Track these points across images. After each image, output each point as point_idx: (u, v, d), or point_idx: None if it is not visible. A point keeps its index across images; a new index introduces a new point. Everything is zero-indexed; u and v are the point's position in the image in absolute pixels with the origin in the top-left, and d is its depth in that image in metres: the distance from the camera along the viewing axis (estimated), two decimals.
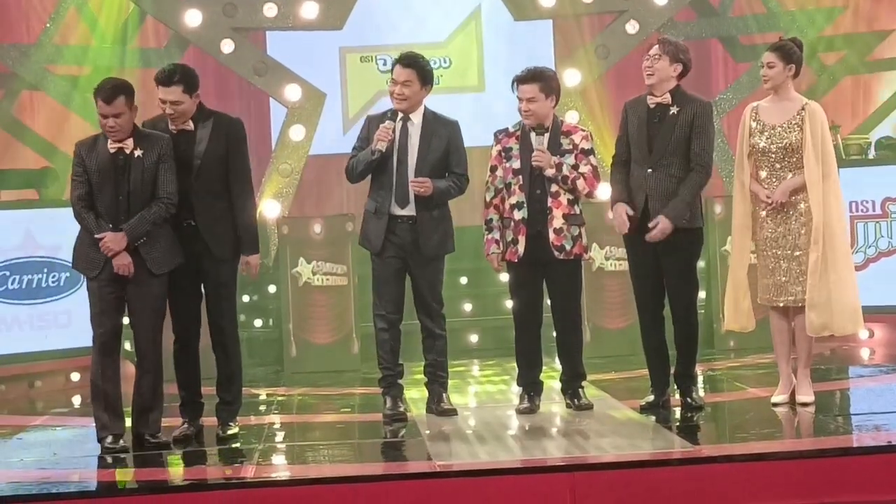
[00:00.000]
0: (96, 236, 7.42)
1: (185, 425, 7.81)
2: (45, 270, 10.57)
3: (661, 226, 7.86)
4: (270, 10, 12.51)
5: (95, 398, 7.55)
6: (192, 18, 12.28)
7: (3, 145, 12.15)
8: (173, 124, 7.67)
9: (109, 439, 7.47)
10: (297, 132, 12.55)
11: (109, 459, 7.33)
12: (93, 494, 6.62)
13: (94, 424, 7.58)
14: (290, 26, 12.67)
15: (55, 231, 10.35)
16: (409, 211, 8.12)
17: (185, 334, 7.80)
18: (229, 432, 7.80)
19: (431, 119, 8.19)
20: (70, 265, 7.82)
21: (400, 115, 8.15)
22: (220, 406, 7.89)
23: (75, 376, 10.73)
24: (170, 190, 7.49)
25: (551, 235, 7.99)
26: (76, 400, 10.14)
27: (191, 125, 7.69)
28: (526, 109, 8.00)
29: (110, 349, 7.54)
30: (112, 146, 7.45)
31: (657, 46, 7.99)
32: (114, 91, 7.43)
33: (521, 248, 7.99)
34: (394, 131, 8.09)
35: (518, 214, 8.00)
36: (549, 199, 8.00)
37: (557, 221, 8.00)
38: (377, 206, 8.15)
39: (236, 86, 13.30)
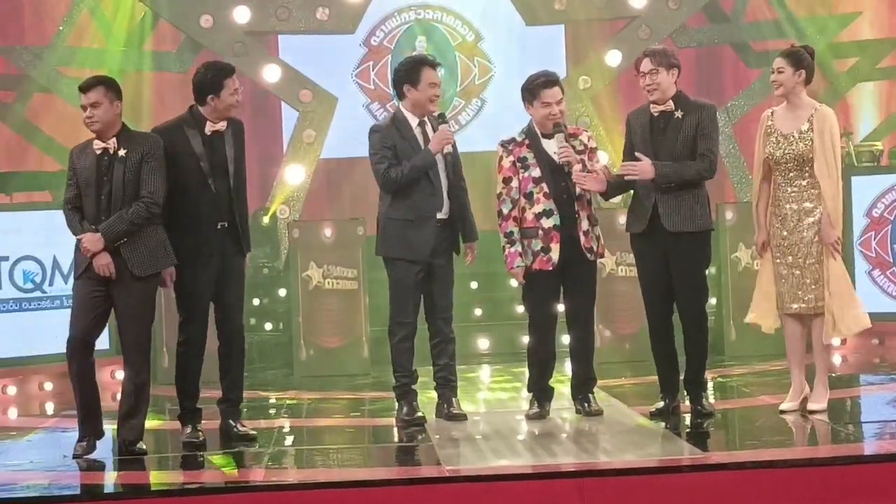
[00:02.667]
0: (77, 237, 7.42)
1: (195, 431, 7.74)
2: (58, 273, 10.58)
3: (644, 163, 7.81)
4: (283, 14, 12.54)
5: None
6: (205, 22, 12.30)
7: (15, 148, 12.19)
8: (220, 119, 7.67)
9: (84, 444, 7.44)
10: (308, 136, 12.57)
11: (85, 464, 7.32)
12: (103, 497, 6.64)
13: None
14: (303, 30, 12.70)
15: (68, 233, 10.36)
16: (444, 213, 8.12)
17: (198, 338, 7.76)
18: (250, 431, 7.85)
19: (435, 120, 8.23)
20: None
21: (418, 120, 8.16)
22: (230, 407, 7.86)
23: None
24: (151, 189, 7.37)
25: (581, 238, 7.98)
26: None
27: (223, 125, 7.72)
28: (556, 113, 7.97)
29: (79, 350, 7.41)
30: (98, 146, 7.40)
31: (648, 61, 7.91)
32: (94, 81, 7.42)
33: (554, 255, 7.90)
34: None
35: (547, 222, 7.91)
36: (575, 203, 7.99)
37: (584, 224, 8.00)
38: (417, 213, 8.04)
39: (249, 90, 13.32)
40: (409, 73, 8.14)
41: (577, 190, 7.95)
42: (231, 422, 7.88)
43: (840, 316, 7.73)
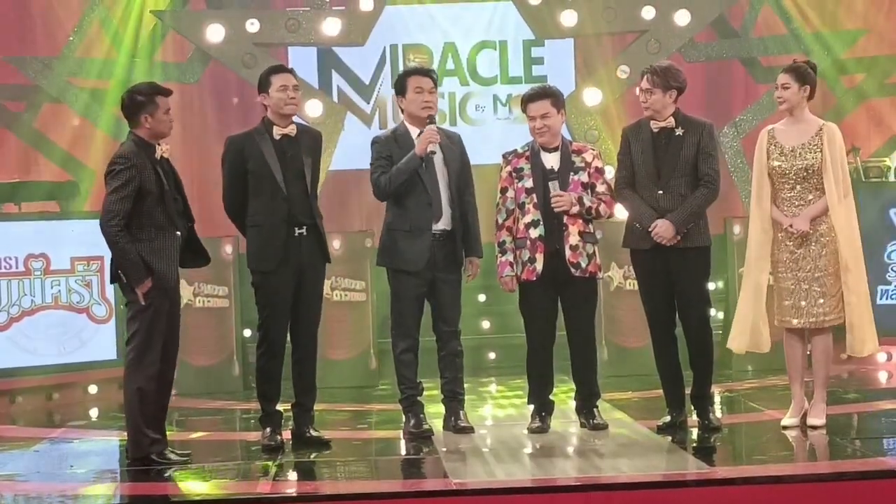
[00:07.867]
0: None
1: (273, 435, 7.92)
2: (65, 282, 10.60)
3: (663, 225, 7.83)
4: (292, 26, 12.55)
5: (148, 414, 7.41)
6: (215, 34, 12.32)
7: (25, 157, 12.21)
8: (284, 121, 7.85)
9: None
10: None
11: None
12: None
13: (109, 437, 7.59)
14: (312, 42, 12.71)
15: (76, 243, 10.40)
16: (444, 225, 8.11)
17: (277, 341, 7.87)
18: (323, 436, 7.99)
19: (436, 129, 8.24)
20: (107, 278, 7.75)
21: (419, 131, 8.14)
22: (303, 412, 8.00)
23: (92, 389, 10.76)
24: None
25: (567, 252, 7.97)
26: (93, 412, 10.17)
27: (293, 130, 7.85)
28: (541, 126, 8.00)
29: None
30: (158, 153, 7.37)
31: (646, 79, 7.96)
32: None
33: (539, 266, 7.96)
34: None
35: (534, 232, 7.97)
36: (565, 216, 7.99)
37: (573, 238, 7.98)
38: (412, 224, 8.06)
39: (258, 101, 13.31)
40: (397, 85, 8.27)
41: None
42: (304, 427, 8.00)
43: (866, 331, 7.72)
